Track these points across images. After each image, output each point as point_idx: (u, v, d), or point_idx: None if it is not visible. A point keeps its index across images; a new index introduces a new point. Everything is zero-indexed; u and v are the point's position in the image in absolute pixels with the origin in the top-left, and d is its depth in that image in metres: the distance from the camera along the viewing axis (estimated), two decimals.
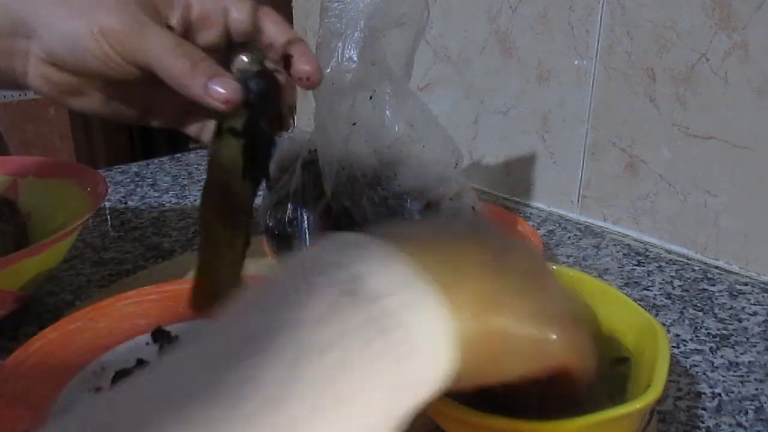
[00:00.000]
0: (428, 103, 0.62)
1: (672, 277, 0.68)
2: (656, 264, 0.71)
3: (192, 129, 0.43)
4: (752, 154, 0.66)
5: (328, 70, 0.56)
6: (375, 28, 0.55)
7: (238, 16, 0.38)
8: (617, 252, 0.74)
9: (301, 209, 0.61)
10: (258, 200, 0.85)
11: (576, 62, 0.78)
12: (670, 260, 0.72)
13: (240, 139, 0.37)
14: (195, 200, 0.87)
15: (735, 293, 0.65)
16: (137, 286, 0.56)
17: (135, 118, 0.42)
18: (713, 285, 0.67)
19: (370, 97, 0.56)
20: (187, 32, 0.38)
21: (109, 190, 0.63)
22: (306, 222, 0.60)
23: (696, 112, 0.69)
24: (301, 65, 0.39)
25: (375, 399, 0.23)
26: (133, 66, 0.36)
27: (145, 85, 0.38)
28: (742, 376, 0.53)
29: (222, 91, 0.35)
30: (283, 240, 0.62)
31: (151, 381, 0.22)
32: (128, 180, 0.94)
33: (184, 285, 0.55)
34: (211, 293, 0.38)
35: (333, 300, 0.24)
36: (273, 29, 0.39)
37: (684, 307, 0.63)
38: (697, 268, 0.70)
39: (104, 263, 0.70)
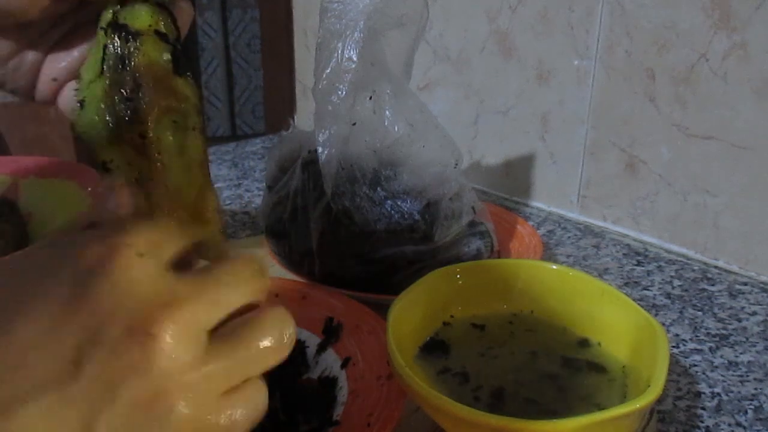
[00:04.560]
0: (428, 103, 0.62)
1: (671, 276, 0.69)
2: (656, 264, 0.71)
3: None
4: (752, 154, 0.66)
5: (328, 71, 0.56)
6: (374, 29, 0.55)
7: None
8: (617, 252, 0.74)
9: (301, 209, 0.61)
10: (258, 200, 0.85)
11: (576, 62, 0.78)
12: (670, 260, 0.72)
13: (168, 40, 0.35)
14: None
15: (734, 293, 0.65)
16: None
17: (27, 86, 0.38)
18: (713, 285, 0.67)
19: (370, 97, 0.56)
20: None
21: None
22: (306, 222, 0.60)
23: (696, 112, 0.70)
24: None
25: None
26: None
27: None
28: (742, 375, 0.53)
29: None
30: (283, 240, 0.62)
31: None
32: None
33: None
34: (173, 206, 0.36)
35: None
36: None
37: (683, 307, 0.63)
38: (696, 267, 0.70)
39: None
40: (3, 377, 0.22)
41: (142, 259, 0.25)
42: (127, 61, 0.34)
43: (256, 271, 0.27)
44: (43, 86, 0.38)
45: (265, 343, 0.26)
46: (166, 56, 0.34)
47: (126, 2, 0.34)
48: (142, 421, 0.23)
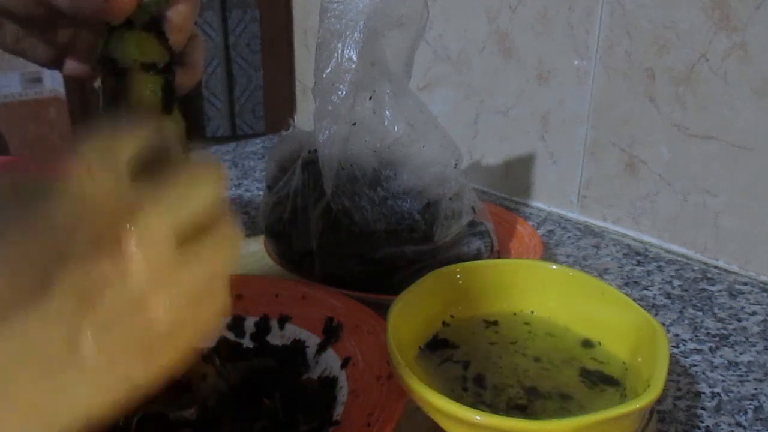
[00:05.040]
0: (428, 103, 0.62)
1: (671, 276, 0.69)
2: (656, 264, 0.71)
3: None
4: (752, 154, 0.66)
5: (328, 71, 0.56)
6: (374, 29, 0.55)
7: None
8: (617, 252, 0.74)
9: (301, 209, 0.61)
10: (258, 200, 0.85)
11: (576, 62, 0.78)
12: (670, 260, 0.72)
13: (161, 73, 0.34)
14: None
15: (734, 293, 0.65)
16: None
17: (48, 60, 0.39)
18: (713, 285, 0.67)
19: (370, 98, 0.56)
20: None
21: None
22: (306, 222, 0.60)
23: (696, 112, 0.70)
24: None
25: None
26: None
27: (54, 24, 0.36)
28: (742, 375, 0.53)
29: None
30: (283, 240, 0.62)
31: None
32: None
33: None
34: None
35: None
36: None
37: (683, 307, 0.63)
38: (696, 268, 0.70)
39: None
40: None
41: (94, 172, 0.24)
42: (119, 99, 0.34)
43: (216, 173, 0.27)
44: (72, 72, 0.39)
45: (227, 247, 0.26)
46: (156, 92, 0.34)
47: (114, 29, 0.34)
48: (124, 329, 0.23)
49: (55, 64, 0.39)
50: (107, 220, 0.23)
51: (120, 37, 0.34)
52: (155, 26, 0.34)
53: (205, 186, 0.26)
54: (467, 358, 0.46)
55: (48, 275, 0.22)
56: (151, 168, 0.26)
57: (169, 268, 0.24)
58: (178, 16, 0.35)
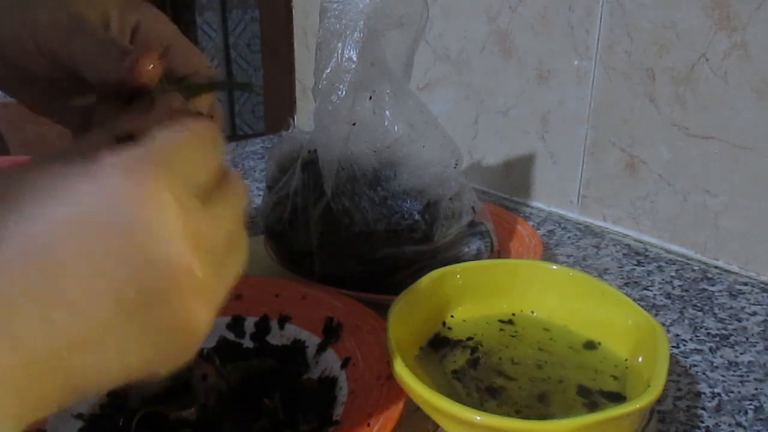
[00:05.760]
0: (428, 103, 0.62)
1: (672, 276, 0.69)
2: (656, 264, 0.71)
3: None
4: (752, 154, 0.66)
5: (328, 71, 0.56)
6: (374, 29, 0.55)
7: (180, 60, 0.36)
8: (617, 252, 0.74)
9: (301, 209, 0.61)
10: (258, 200, 0.85)
11: (576, 62, 0.78)
12: (670, 260, 0.72)
13: None
14: None
15: (734, 293, 0.65)
16: None
17: (76, 125, 0.39)
18: (713, 285, 0.67)
19: (370, 98, 0.56)
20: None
21: None
22: (306, 222, 0.60)
23: (696, 112, 0.70)
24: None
25: None
26: (52, 63, 0.34)
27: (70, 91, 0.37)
28: (742, 375, 0.53)
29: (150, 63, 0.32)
30: (283, 240, 0.62)
31: None
32: None
33: None
34: None
35: None
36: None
37: (684, 307, 0.63)
38: (696, 268, 0.70)
39: None
40: (56, 327, 0.22)
41: (177, 206, 0.24)
42: None
43: (217, 134, 0.29)
44: None
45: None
46: None
47: (133, 100, 0.34)
48: (166, 308, 0.25)
49: (84, 129, 0.39)
50: (175, 263, 0.24)
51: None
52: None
53: (214, 147, 0.28)
54: (474, 345, 0.47)
55: (128, 309, 0.24)
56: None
57: (205, 230, 0.26)
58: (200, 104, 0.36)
